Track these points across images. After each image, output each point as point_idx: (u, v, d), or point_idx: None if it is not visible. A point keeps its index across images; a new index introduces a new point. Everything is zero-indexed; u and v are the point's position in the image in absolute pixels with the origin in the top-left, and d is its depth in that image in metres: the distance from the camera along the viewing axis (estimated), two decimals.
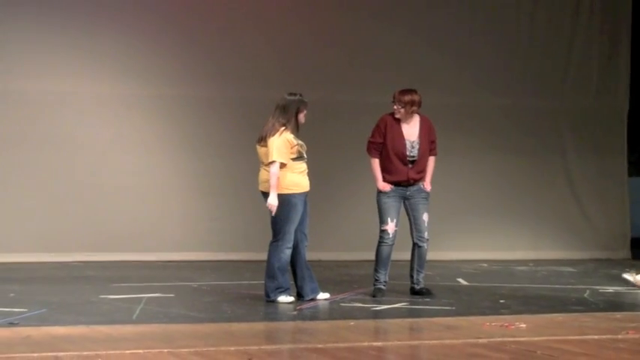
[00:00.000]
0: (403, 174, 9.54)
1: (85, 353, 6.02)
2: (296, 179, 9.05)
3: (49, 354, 6.07)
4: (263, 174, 9.11)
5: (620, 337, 7.07)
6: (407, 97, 9.50)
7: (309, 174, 9.20)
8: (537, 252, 14.52)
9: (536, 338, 6.94)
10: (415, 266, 9.70)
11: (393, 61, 14.18)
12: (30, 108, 13.41)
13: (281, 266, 9.02)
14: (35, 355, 6.05)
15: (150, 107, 13.94)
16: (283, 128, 9.00)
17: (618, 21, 15.47)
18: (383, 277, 9.61)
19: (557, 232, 15.03)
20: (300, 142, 9.06)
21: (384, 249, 9.60)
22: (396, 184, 9.54)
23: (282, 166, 8.93)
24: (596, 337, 7.09)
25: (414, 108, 9.53)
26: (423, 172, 9.62)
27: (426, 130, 9.62)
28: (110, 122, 13.78)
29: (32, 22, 13.44)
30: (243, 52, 14.10)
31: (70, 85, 13.58)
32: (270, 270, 9.05)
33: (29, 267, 12.27)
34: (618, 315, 8.37)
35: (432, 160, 9.73)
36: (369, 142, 9.66)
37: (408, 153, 9.51)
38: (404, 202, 9.62)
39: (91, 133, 13.65)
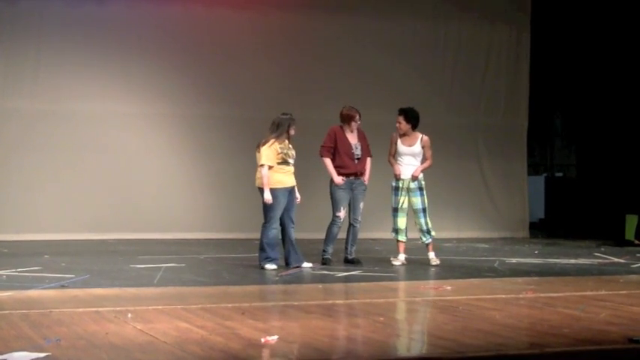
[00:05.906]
0: (352, 167, 9.60)
1: (118, 309, 5.95)
2: (279, 178, 9.03)
3: (91, 309, 5.99)
4: (258, 173, 9.13)
5: (521, 296, 7.06)
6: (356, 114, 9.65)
7: (296, 175, 9.16)
8: (459, 232, 14.52)
9: (458, 297, 6.92)
10: (350, 241, 9.72)
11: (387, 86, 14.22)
12: (76, 124, 13.29)
13: (269, 242, 9.02)
14: (80, 310, 5.98)
15: (171, 122, 13.83)
16: (273, 140, 9.02)
17: (519, 60, 15.52)
18: (331, 249, 9.64)
19: (474, 217, 15.06)
20: (286, 151, 9.05)
21: (335, 229, 9.65)
22: (347, 175, 9.58)
23: (270, 167, 8.96)
24: (503, 296, 7.08)
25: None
26: (364, 166, 9.68)
27: (362, 136, 9.72)
28: (139, 134, 13.69)
29: (79, 57, 13.29)
30: (250, 81, 13.98)
31: (110, 105, 13.48)
32: (261, 244, 9.08)
33: (77, 243, 12.20)
34: (519, 280, 8.38)
35: (368, 161, 9.75)
36: (323, 147, 9.66)
37: (354, 152, 9.60)
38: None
39: (124, 143, 13.55)
